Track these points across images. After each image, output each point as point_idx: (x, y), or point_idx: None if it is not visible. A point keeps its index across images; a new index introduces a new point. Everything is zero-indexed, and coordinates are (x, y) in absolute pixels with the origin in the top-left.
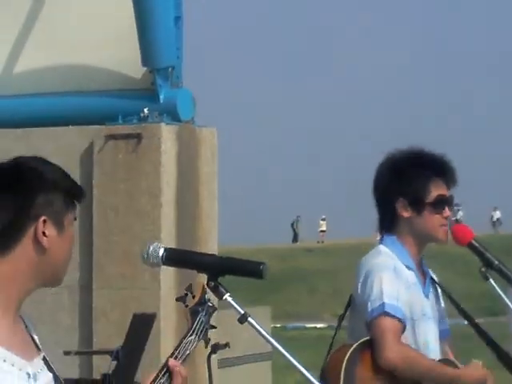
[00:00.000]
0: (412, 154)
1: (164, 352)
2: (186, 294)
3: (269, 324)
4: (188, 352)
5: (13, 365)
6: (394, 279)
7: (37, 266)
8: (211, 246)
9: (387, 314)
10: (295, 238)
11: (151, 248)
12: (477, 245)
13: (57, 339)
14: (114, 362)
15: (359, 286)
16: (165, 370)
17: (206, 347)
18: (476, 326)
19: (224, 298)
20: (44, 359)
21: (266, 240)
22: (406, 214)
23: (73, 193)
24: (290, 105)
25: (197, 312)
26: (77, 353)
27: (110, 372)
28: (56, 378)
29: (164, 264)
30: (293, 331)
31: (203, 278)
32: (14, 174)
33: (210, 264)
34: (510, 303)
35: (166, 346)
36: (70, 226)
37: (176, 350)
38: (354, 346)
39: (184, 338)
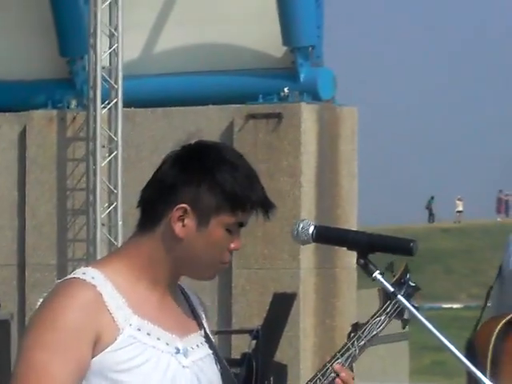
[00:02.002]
0: None
1: (304, 332)
2: (383, 273)
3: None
4: (375, 332)
5: (158, 338)
6: None
7: (173, 252)
8: (351, 225)
9: None
10: (431, 218)
11: (301, 225)
12: None
13: None
14: (254, 342)
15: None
16: (328, 374)
17: (404, 328)
18: None
19: (374, 275)
20: (206, 336)
21: (402, 220)
22: None
23: (239, 200)
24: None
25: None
26: (217, 332)
27: (250, 351)
28: (216, 355)
29: (314, 241)
30: (429, 311)
31: (406, 258)
32: (195, 155)
33: (360, 241)
34: None
35: (306, 325)
36: (219, 229)
37: (362, 329)
38: (507, 318)
39: (372, 317)
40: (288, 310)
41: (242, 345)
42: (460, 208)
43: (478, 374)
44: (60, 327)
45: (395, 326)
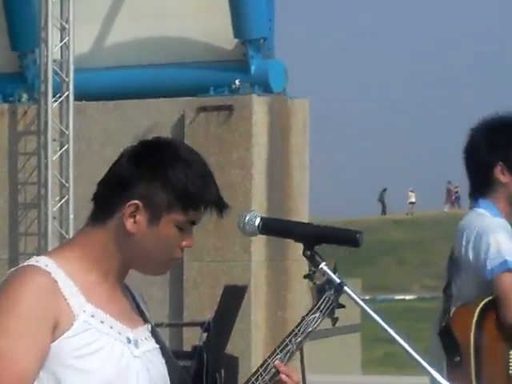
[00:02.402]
0: (510, 118)
1: (255, 324)
2: (315, 272)
3: (359, 295)
4: (310, 329)
5: (111, 327)
6: (508, 238)
7: (125, 246)
8: (302, 216)
9: (511, 270)
10: (384, 210)
11: (248, 217)
12: None
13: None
14: (205, 334)
15: (470, 248)
16: (270, 369)
17: (334, 325)
18: None
19: (320, 267)
20: (152, 330)
21: (355, 213)
22: (503, 179)
23: (191, 199)
24: (387, 78)
25: (324, 290)
26: (168, 325)
27: (201, 344)
28: (164, 349)
29: (260, 233)
30: (382, 303)
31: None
32: (150, 151)
33: (306, 233)
34: None
35: (257, 318)
36: (170, 226)
37: (297, 327)
38: (481, 305)
39: (307, 315)
40: (239, 303)
41: (193, 337)
42: (412, 199)
43: (424, 364)
44: (19, 314)
45: (347, 318)
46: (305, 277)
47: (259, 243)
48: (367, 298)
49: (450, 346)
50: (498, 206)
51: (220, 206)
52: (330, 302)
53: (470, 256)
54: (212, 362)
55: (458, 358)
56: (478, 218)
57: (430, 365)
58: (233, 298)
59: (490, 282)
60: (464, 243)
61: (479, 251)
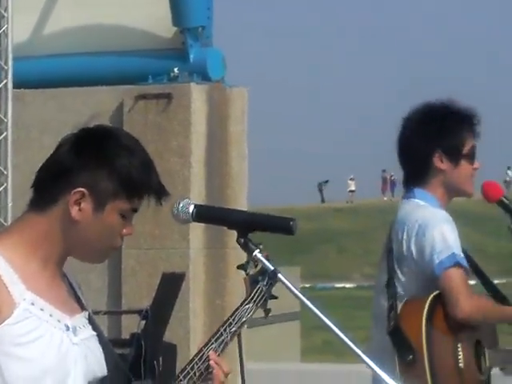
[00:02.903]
0: (444, 105)
1: (193, 312)
2: (248, 262)
3: (298, 284)
4: (244, 319)
5: (51, 315)
6: (453, 229)
7: (67, 233)
8: (240, 205)
9: (459, 264)
10: (322, 199)
11: (181, 204)
12: (507, 202)
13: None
14: (143, 322)
15: (412, 242)
16: (204, 359)
17: (266, 317)
18: (490, 285)
19: (254, 254)
20: (89, 318)
21: (294, 200)
22: (442, 166)
23: (136, 187)
24: (324, 72)
25: (257, 281)
26: (106, 313)
27: (139, 331)
28: (101, 337)
29: (194, 220)
30: (322, 291)
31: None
32: (93, 139)
33: (240, 220)
34: None
35: (195, 305)
36: (114, 214)
37: (231, 317)
38: (428, 302)
39: (241, 305)
40: (177, 290)
41: (131, 325)
42: (352, 188)
43: (360, 353)
44: None
45: (286, 305)
46: (238, 267)
47: (198, 231)
48: (307, 286)
49: (401, 344)
50: (435, 195)
51: (161, 194)
52: (262, 293)
53: (413, 250)
54: (150, 349)
55: (411, 357)
56: (418, 210)
57: (366, 354)
58: (171, 286)
59: (437, 276)
60: (405, 237)
61: (423, 245)
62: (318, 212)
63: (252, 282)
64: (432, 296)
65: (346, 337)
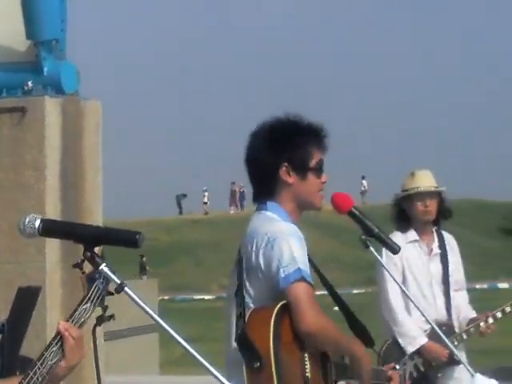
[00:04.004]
0: (291, 120)
1: (50, 325)
2: (83, 261)
3: (156, 296)
4: (83, 319)
5: None
6: (301, 245)
7: None
8: (96, 218)
9: (304, 279)
10: (180, 211)
11: (27, 219)
12: (357, 212)
13: None
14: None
15: (260, 254)
16: (58, 337)
17: (104, 314)
18: (336, 298)
19: (100, 268)
20: None
21: (153, 213)
22: (289, 180)
23: None
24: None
25: (93, 279)
26: None
27: None
28: None
29: (40, 235)
30: (181, 303)
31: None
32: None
33: (86, 234)
34: (387, 270)
35: (52, 319)
36: None
37: (70, 317)
38: (277, 309)
39: (79, 305)
40: (33, 304)
41: None
42: (205, 200)
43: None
44: None
45: (145, 318)
46: (74, 266)
47: (54, 244)
48: (166, 298)
49: (248, 352)
50: (286, 209)
51: None
52: (99, 291)
53: (262, 262)
54: (7, 363)
55: (258, 364)
56: (269, 223)
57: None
58: (27, 300)
59: (283, 289)
60: (254, 249)
61: (271, 258)
62: (177, 224)
63: (88, 280)
64: (280, 305)
65: (196, 350)
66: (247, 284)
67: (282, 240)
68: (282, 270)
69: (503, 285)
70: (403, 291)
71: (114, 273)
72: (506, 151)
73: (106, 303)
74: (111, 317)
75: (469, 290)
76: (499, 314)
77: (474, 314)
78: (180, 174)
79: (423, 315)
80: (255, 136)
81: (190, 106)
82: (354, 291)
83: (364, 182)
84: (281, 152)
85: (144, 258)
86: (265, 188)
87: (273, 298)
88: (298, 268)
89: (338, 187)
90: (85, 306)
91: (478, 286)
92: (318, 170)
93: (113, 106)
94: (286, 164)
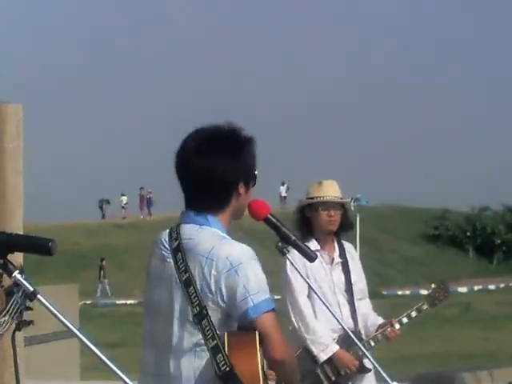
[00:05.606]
0: (232, 129)
1: None
2: (2, 275)
3: (77, 301)
4: (1, 333)
5: None
6: (260, 268)
7: None
8: (16, 222)
9: (274, 310)
10: (103, 215)
11: None
12: (273, 220)
13: None
14: None
15: (223, 278)
16: None
17: (20, 329)
18: None
19: (13, 275)
20: None
21: (76, 217)
22: (241, 192)
23: None
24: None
25: (12, 293)
26: None
27: None
28: None
29: None
30: (103, 308)
31: (20, 258)
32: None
33: None
34: (305, 278)
35: None
36: None
37: None
38: (257, 338)
39: None
40: None
41: None
42: (123, 204)
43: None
44: None
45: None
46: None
47: None
48: (88, 302)
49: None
50: (223, 220)
51: None
52: (18, 305)
53: (223, 289)
54: None
55: None
56: (225, 245)
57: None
58: None
59: (252, 318)
60: (214, 272)
61: (236, 284)
62: (99, 228)
63: (7, 294)
64: (258, 334)
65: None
66: (207, 308)
67: (247, 266)
68: (250, 298)
69: (425, 291)
70: (319, 298)
71: (26, 280)
72: (426, 158)
73: (31, 307)
74: (30, 322)
75: (391, 296)
76: (405, 319)
77: (381, 320)
78: (101, 177)
79: (339, 322)
80: (209, 143)
81: (114, 107)
82: (276, 297)
83: (282, 187)
84: (243, 165)
85: (104, 262)
86: (215, 200)
87: (228, 326)
88: (268, 298)
89: (260, 193)
90: (3, 319)
91: (400, 292)
92: (255, 181)
93: (34, 107)
94: (242, 179)
